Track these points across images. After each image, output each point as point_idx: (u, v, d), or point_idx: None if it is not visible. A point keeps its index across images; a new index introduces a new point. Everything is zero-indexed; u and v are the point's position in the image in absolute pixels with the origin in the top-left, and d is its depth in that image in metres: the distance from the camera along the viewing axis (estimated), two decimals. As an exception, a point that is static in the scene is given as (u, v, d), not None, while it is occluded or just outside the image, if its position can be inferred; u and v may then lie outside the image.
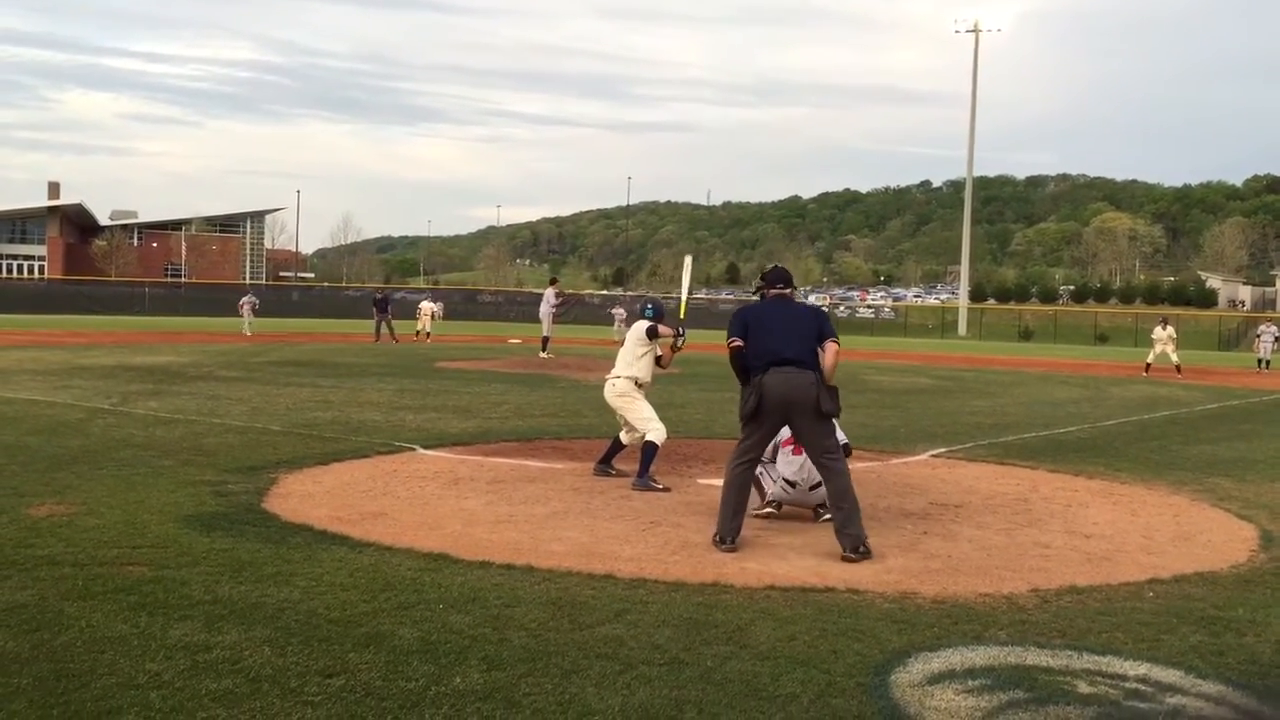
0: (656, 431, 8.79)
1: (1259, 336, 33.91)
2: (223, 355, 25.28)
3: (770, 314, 6.98)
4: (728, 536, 6.57)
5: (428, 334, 36.73)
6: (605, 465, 9.24)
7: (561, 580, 5.57)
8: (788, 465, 7.54)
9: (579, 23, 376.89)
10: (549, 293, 28.36)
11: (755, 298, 7.40)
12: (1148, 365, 29.58)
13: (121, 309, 61.07)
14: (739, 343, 6.88)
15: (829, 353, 6.80)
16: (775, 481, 7.63)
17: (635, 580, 5.63)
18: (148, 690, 3.85)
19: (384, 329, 34.69)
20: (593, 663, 4.28)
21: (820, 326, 6.89)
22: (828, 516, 7.35)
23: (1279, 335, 33.87)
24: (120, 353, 24.98)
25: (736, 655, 4.45)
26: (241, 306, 40.39)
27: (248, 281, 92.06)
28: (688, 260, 10.41)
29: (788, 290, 7.17)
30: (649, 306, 9.45)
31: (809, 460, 7.15)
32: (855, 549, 6.36)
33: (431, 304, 42.09)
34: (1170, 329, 29.73)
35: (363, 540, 6.36)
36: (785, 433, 7.29)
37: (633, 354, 9.08)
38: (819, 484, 7.23)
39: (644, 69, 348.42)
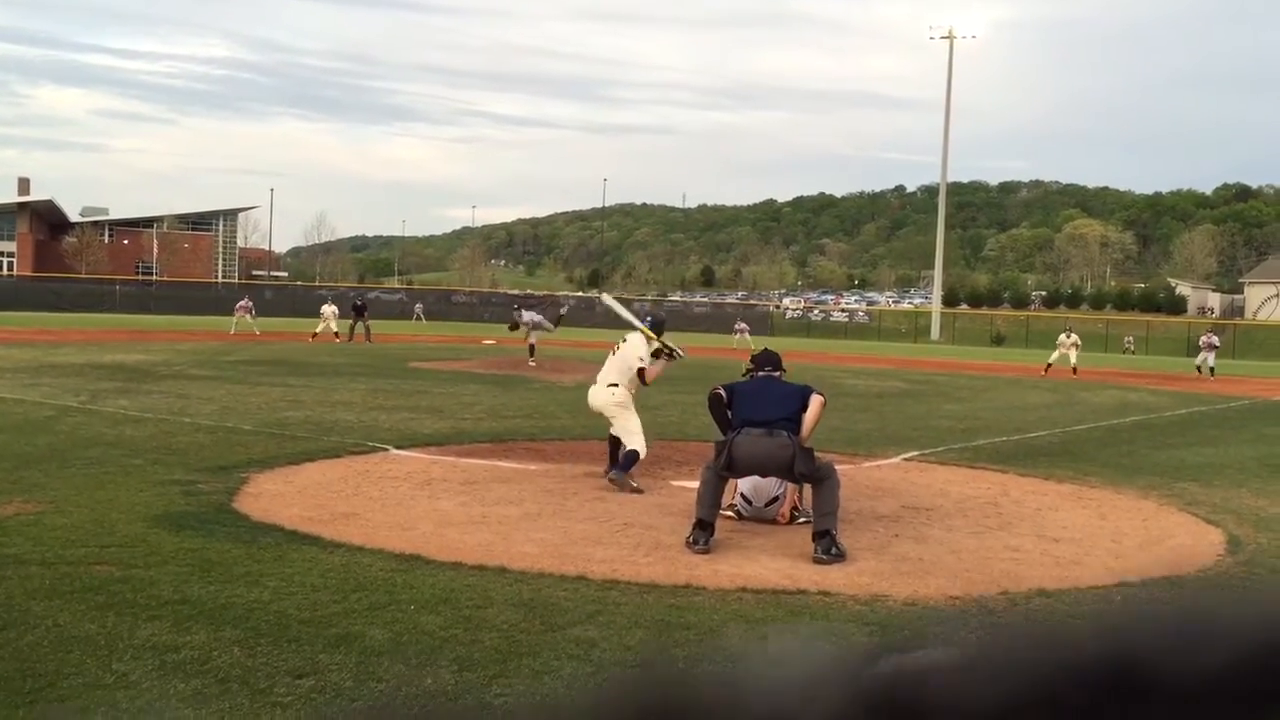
0: (641, 445, 8.85)
1: (1202, 345, 33.78)
2: (194, 354, 25.10)
3: (758, 387, 7.21)
4: (701, 532, 6.58)
5: (335, 333, 35.50)
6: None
7: (534, 581, 5.56)
8: (745, 481, 7.56)
9: (556, 24, 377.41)
10: (529, 315, 26.61)
11: (744, 378, 7.49)
12: (1048, 366, 31.31)
13: (91, 307, 60.44)
14: (721, 390, 7.12)
15: (813, 405, 6.96)
16: (735, 493, 7.67)
17: (608, 582, 5.63)
18: (115, 690, 3.82)
19: (358, 329, 34.51)
20: (565, 663, 4.28)
21: (805, 395, 7.05)
22: (803, 519, 7.40)
23: (1217, 345, 33.97)
24: (90, 351, 24.75)
25: (708, 657, 4.46)
26: (238, 310, 40.14)
27: (220, 280, 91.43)
28: (606, 297, 10.52)
29: (777, 373, 7.37)
30: (649, 318, 9.62)
31: (763, 480, 7.38)
32: (828, 550, 6.40)
33: (332, 306, 41.34)
34: (1075, 336, 32.42)
35: (334, 540, 6.33)
36: None
37: (627, 364, 9.10)
38: (774, 500, 7.53)
39: (621, 71, 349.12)
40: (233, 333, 37.30)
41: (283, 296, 70.59)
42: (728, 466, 6.78)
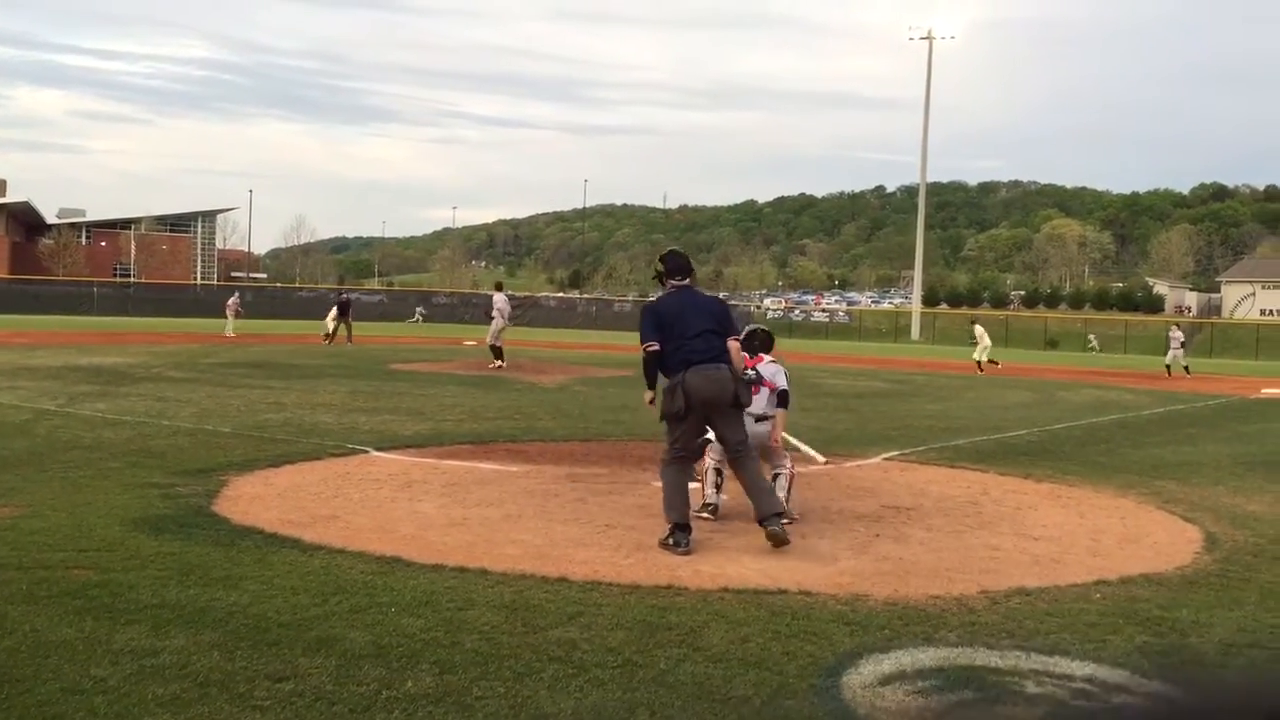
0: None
1: (1171, 342, 33.57)
2: (172, 356, 24.95)
3: (681, 311, 7.05)
4: (681, 533, 6.58)
5: (325, 335, 35.41)
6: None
7: (515, 583, 5.56)
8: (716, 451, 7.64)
9: (535, 25, 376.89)
10: (500, 297, 25.27)
11: (655, 282, 7.46)
12: (978, 364, 31.99)
13: (69, 309, 59.98)
14: (656, 347, 6.97)
15: (732, 351, 7.06)
16: (707, 482, 7.73)
17: (589, 583, 5.63)
18: (93, 695, 3.79)
19: (340, 330, 34.37)
20: (546, 666, 4.28)
21: (726, 321, 7.13)
22: (787, 520, 7.43)
23: (1184, 341, 34.00)
24: (67, 353, 24.57)
25: (690, 658, 4.47)
26: (227, 307, 39.90)
27: (198, 281, 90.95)
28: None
29: (687, 280, 7.28)
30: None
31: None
32: (778, 528, 6.54)
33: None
34: (980, 330, 33.15)
35: (314, 543, 6.30)
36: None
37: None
38: (766, 418, 7.72)
39: (601, 72, 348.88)
40: (230, 335, 37.16)
41: (262, 298, 70.08)
42: (686, 406, 6.78)
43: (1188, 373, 32.17)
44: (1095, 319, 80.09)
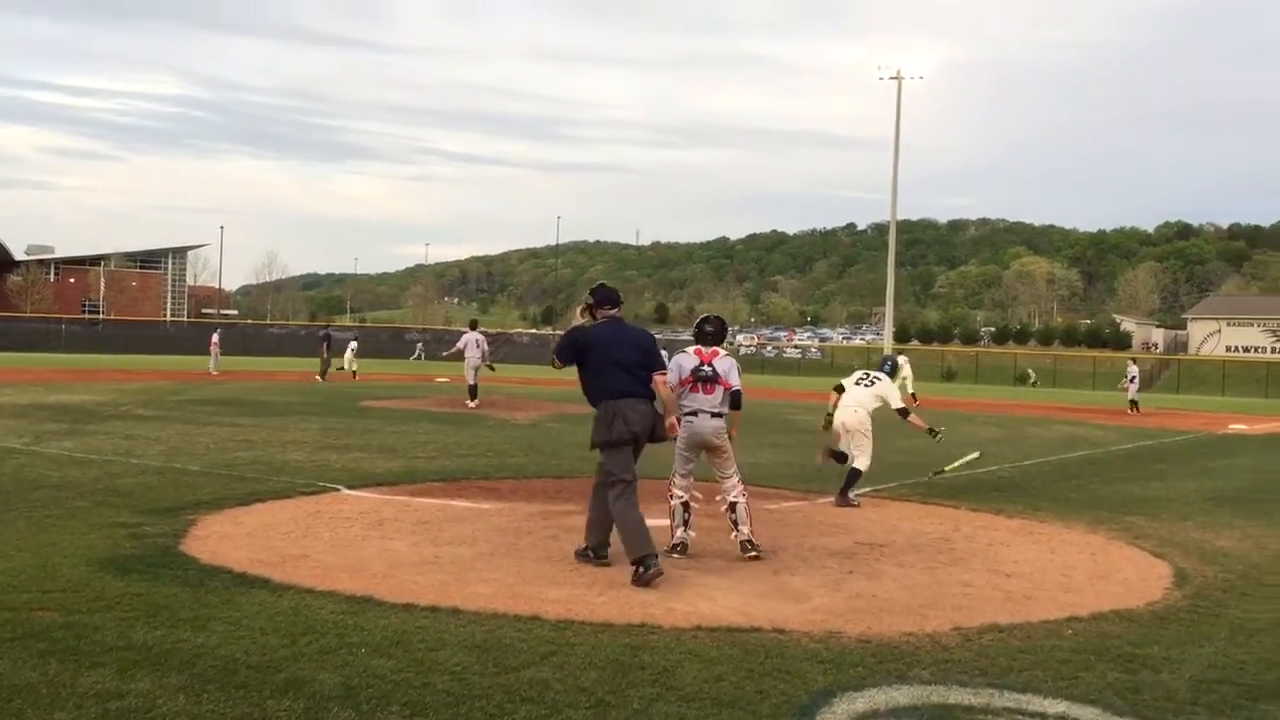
0: (865, 461, 10.86)
1: (1128, 378, 34.13)
2: (141, 393, 24.73)
3: (610, 342, 7.16)
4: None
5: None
6: (844, 497, 10.64)
7: (487, 622, 5.51)
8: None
9: (510, 64, 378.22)
10: (474, 337, 24.83)
11: (583, 319, 7.48)
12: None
13: (36, 346, 59.38)
14: (559, 365, 7.29)
15: (659, 385, 7.22)
16: (676, 528, 7.71)
17: (562, 621, 5.59)
18: (56, 741, 3.72)
19: (333, 365, 34.49)
20: (518, 706, 4.24)
21: (653, 356, 7.27)
22: (753, 554, 7.44)
23: (1136, 376, 34.50)
24: (34, 391, 24.31)
25: (663, 697, 4.44)
26: (211, 345, 39.69)
27: (169, 318, 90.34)
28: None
29: (616, 311, 7.38)
30: (888, 362, 12.43)
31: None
32: (648, 569, 6.54)
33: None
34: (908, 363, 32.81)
35: (283, 583, 6.24)
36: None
37: (873, 399, 11.10)
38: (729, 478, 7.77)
39: (575, 110, 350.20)
40: (215, 373, 37.15)
41: (233, 335, 69.66)
42: (624, 434, 6.92)
43: (1135, 409, 32.49)
44: (1065, 355, 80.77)
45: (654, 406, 7.11)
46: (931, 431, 11.37)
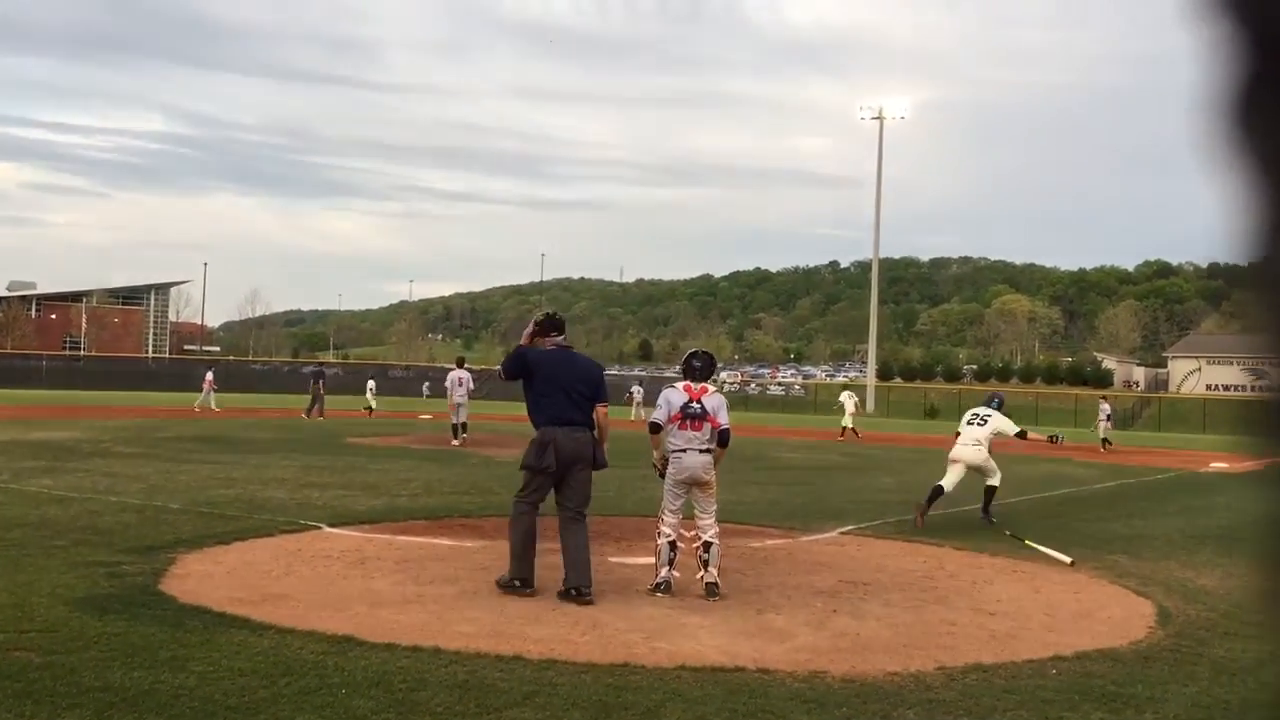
0: (997, 478, 12.61)
1: (1102, 416, 34.47)
2: (121, 430, 24.57)
3: (557, 367, 7.56)
4: (529, 579, 7.26)
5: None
6: (986, 514, 12.29)
7: (470, 662, 5.47)
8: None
9: (495, 102, 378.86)
10: (458, 375, 24.25)
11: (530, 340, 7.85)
12: (843, 430, 34.29)
13: (16, 382, 59.00)
14: (504, 378, 7.76)
15: (601, 415, 7.62)
16: (662, 569, 7.67)
17: (545, 661, 5.55)
18: (31, 784, 3.67)
19: (319, 403, 34.35)
20: (500, 748, 4.20)
21: (599, 387, 7.65)
22: (716, 597, 7.42)
23: (1110, 414, 34.84)
24: (13, 428, 24.12)
25: (646, 738, 4.40)
26: (206, 382, 39.55)
27: (150, 354, 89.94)
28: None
29: (563, 339, 7.75)
30: (996, 399, 13.19)
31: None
32: (580, 593, 7.05)
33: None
34: (851, 395, 35.83)
35: (264, 622, 6.18)
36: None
37: (989, 434, 12.44)
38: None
39: (560, 148, 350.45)
40: (214, 409, 37.08)
41: (216, 371, 69.44)
42: (557, 464, 7.34)
43: (1106, 446, 32.65)
44: (1046, 393, 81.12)
45: (592, 435, 7.51)
46: (1051, 438, 14.25)
